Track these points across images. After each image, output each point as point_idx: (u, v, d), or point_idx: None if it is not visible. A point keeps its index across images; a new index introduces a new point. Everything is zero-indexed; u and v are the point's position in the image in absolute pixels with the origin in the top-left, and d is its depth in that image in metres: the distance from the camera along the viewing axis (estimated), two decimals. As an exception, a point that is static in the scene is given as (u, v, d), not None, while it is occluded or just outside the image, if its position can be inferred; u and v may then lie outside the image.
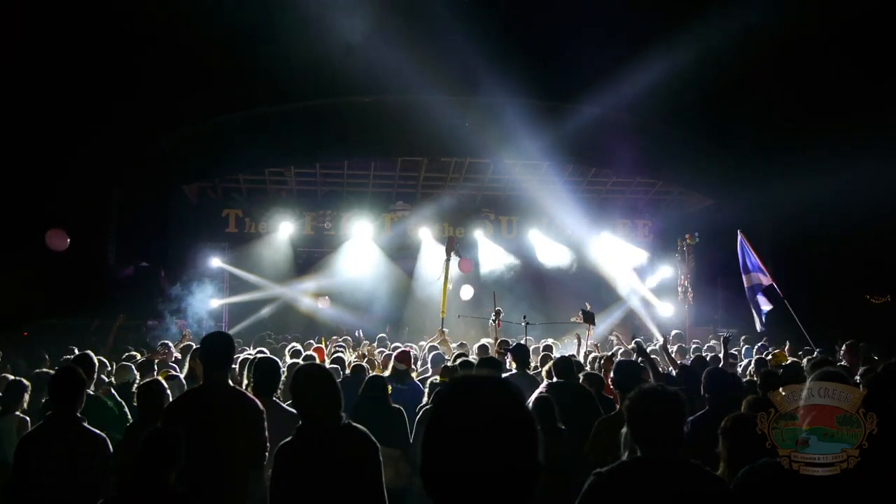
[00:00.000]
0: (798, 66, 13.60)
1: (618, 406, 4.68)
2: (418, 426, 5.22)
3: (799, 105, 13.31)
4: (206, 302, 14.74)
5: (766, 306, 10.64)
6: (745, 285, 10.97)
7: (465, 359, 6.77)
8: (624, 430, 3.66)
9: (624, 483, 2.53)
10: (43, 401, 5.42)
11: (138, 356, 8.13)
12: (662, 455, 2.55)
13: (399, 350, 7.41)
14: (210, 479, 3.51)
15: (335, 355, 8.04)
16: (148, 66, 14.43)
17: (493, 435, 1.22)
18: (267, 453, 3.69)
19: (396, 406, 5.36)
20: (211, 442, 3.57)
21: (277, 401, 4.54)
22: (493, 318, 10.21)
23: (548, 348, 8.98)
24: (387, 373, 6.88)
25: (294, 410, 4.42)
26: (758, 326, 10.89)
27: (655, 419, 2.60)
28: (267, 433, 3.77)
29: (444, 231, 16.34)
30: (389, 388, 5.66)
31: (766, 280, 10.73)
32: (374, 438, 3.33)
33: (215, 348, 3.95)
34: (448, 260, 12.02)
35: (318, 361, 7.70)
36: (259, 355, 5.50)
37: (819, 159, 12.97)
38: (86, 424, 3.83)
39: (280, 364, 4.88)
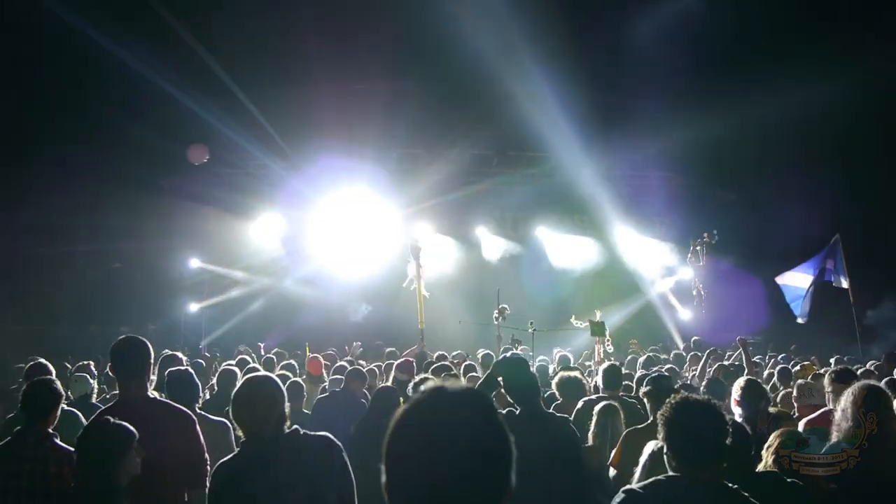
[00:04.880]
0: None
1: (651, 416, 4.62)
2: None
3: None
4: (184, 305, 14.84)
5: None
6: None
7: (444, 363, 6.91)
8: (653, 443, 3.63)
9: (656, 502, 2.51)
10: (9, 416, 5.45)
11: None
12: (699, 474, 2.50)
13: (401, 360, 7.50)
14: None
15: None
16: (114, 48, 14.41)
17: (457, 449, 1.24)
18: (208, 467, 3.50)
19: None
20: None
21: (203, 412, 4.41)
22: (497, 315, 10.21)
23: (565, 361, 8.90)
24: (386, 384, 6.97)
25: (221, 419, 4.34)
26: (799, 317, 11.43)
27: (696, 433, 2.52)
28: (204, 445, 3.59)
29: (444, 228, 16.46)
30: (401, 399, 5.75)
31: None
32: (334, 440, 3.04)
33: (127, 356, 3.63)
34: (419, 266, 11.49)
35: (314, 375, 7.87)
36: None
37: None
38: (58, 441, 3.74)
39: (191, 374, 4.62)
